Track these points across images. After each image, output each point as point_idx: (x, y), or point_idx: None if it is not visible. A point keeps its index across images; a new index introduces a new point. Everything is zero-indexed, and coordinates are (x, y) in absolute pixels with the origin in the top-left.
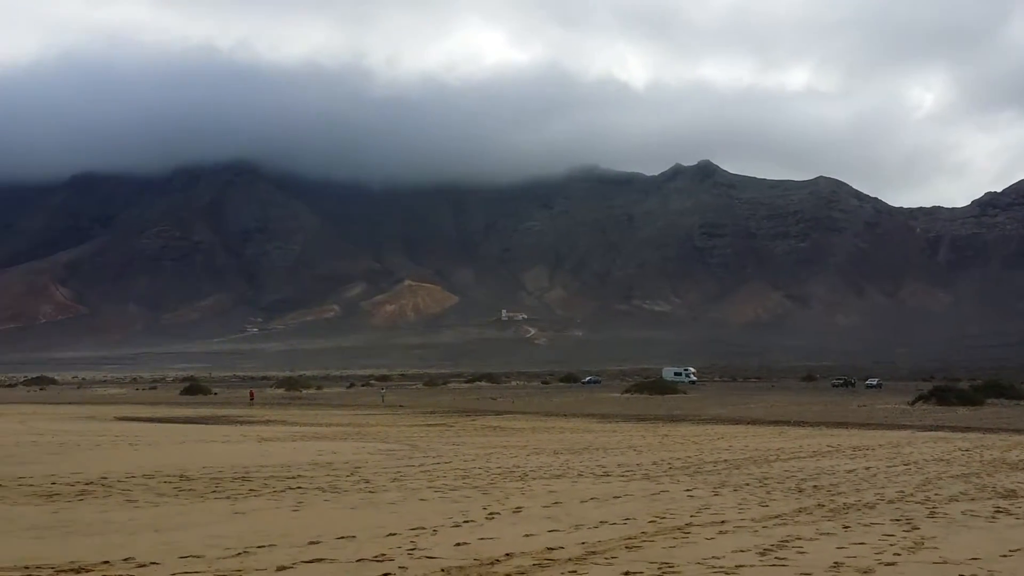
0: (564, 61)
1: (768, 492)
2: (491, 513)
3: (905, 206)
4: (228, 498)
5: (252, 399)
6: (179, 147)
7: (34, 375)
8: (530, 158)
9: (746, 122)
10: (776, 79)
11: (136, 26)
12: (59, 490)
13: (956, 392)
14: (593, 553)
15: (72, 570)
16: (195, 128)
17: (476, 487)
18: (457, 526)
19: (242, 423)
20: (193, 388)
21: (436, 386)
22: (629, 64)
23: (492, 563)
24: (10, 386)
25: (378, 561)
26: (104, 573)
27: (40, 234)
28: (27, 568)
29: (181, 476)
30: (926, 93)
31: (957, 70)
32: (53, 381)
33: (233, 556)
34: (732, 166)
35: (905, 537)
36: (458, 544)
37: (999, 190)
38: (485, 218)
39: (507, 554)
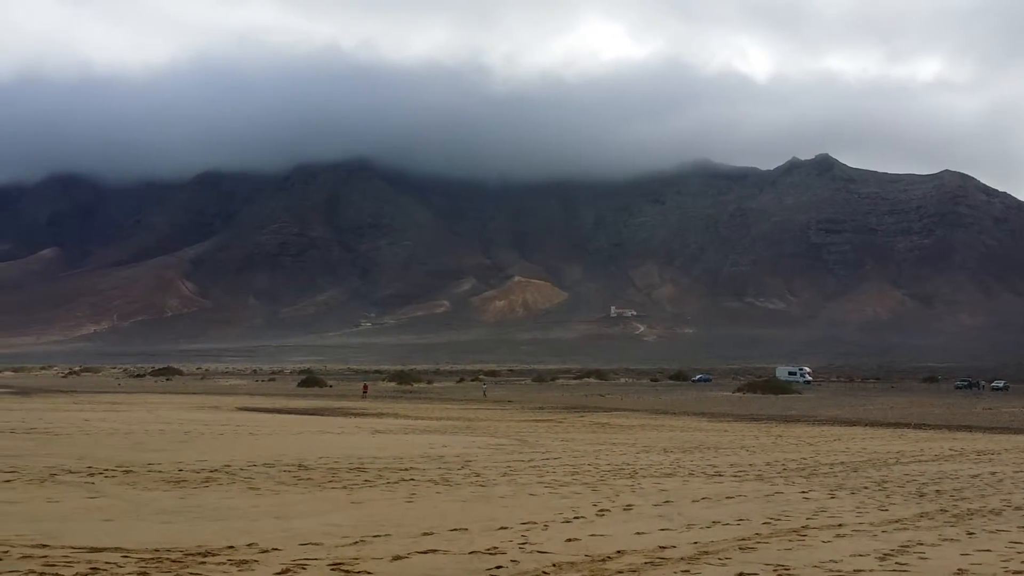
0: (684, 55)
1: (887, 496)
2: (601, 510)
3: None
4: (344, 488)
5: (365, 392)
6: (298, 146)
7: (161, 366)
8: (643, 153)
9: (870, 114)
10: (906, 70)
11: (264, 28)
12: (186, 477)
13: None
14: (706, 553)
15: (199, 553)
16: (315, 127)
17: (586, 484)
18: (567, 522)
19: (356, 415)
20: (309, 380)
21: (545, 382)
22: (751, 57)
23: (604, 560)
24: (139, 376)
25: (490, 554)
26: (229, 557)
27: (167, 230)
28: (157, 551)
29: (300, 466)
30: None
31: None
32: (179, 372)
33: (350, 544)
34: (852, 159)
35: None
36: (569, 540)
37: None
38: (595, 214)
39: (619, 551)
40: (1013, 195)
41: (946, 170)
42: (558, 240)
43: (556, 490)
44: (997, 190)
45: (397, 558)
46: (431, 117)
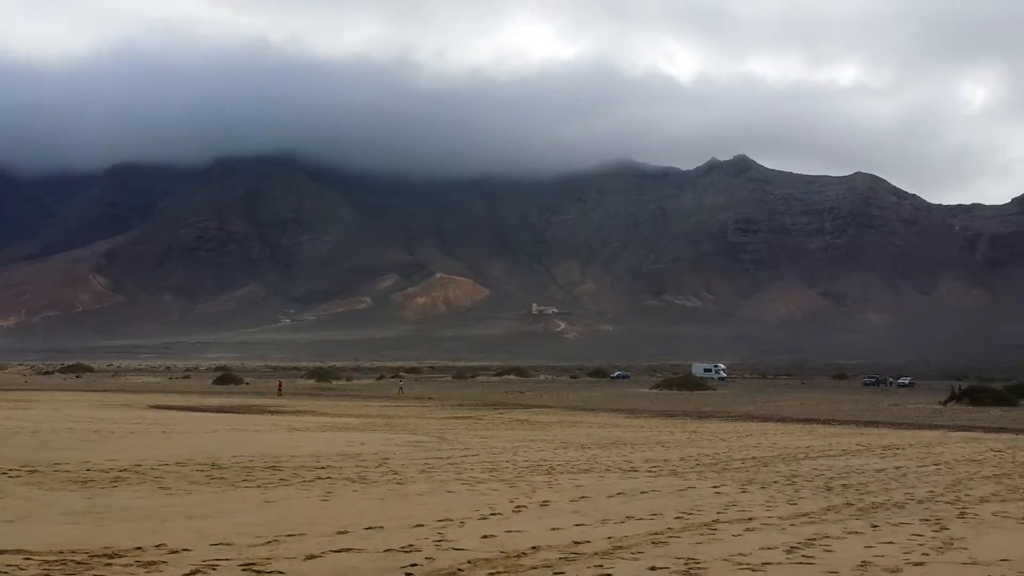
0: (612, 55)
1: (796, 490)
2: (518, 506)
3: (944, 204)
4: (259, 487)
5: (280, 390)
6: (220, 138)
7: (71, 363)
8: (567, 152)
9: (789, 117)
10: (826, 74)
11: (191, 19)
12: (94, 476)
13: (990, 392)
14: (619, 547)
15: (105, 555)
16: (238, 120)
17: (503, 480)
18: (484, 518)
19: (273, 413)
20: (225, 378)
21: (465, 379)
22: (677, 59)
23: (519, 556)
24: (47, 373)
25: (405, 551)
26: (136, 559)
27: (79, 223)
28: (62, 553)
29: (213, 464)
30: (978, 89)
31: (1012, 66)
32: (89, 369)
33: (263, 544)
34: (769, 161)
35: (934, 537)
36: (485, 536)
37: None
38: (519, 211)
39: (533, 547)
40: (922, 197)
41: (859, 172)
42: (482, 237)
43: (473, 487)
44: (907, 192)
45: (311, 557)
46: (358, 112)
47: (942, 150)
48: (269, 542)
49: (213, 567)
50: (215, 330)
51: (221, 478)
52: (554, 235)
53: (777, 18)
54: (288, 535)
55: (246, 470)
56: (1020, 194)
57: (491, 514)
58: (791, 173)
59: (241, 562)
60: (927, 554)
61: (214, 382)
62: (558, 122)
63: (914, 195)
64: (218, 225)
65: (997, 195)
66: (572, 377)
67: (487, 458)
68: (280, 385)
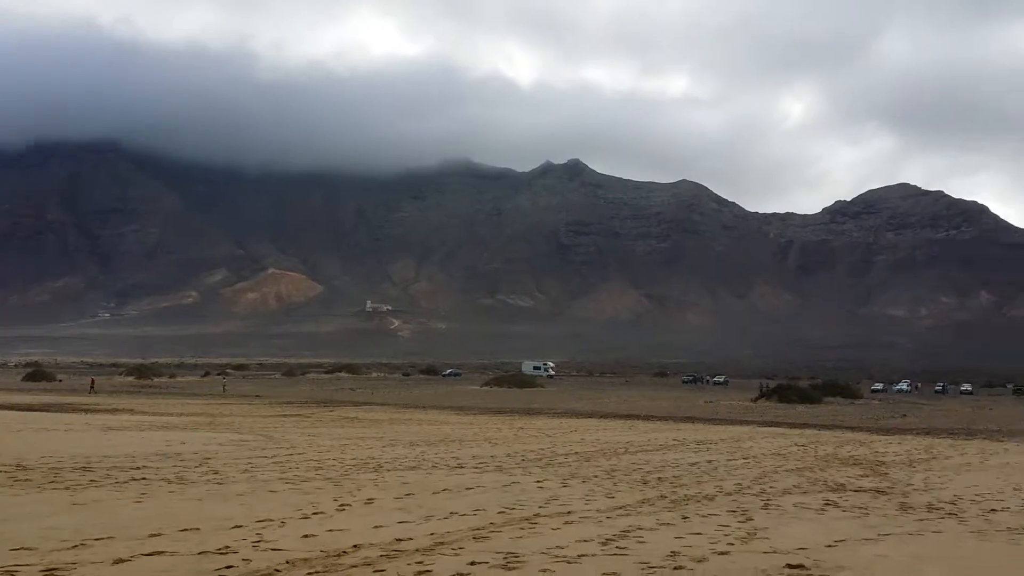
0: (453, 56)
1: (615, 484)
2: (342, 505)
3: (761, 212)
4: (67, 489)
5: (92, 388)
6: (40, 123)
7: None
8: (407, 149)
9: (621, 124)
10: (657, 84)
11: None
12: None
13: (796, 390)
14: (441, 544)
15: None
16: (58, 103)
17: (329, 479)
18: (306, 518)
19: (87, 411)
20: (36, 374)
21: (295, 376)
22: (517, 62)
23: (339, 555)
24: None
25: (221, 554)
26: None
27: None
28: None
29: (17, 466)
30: (796, 104)
31: (828, 82)
32: None
33: (68, 549)
34: (601, 166)
35: (739, 528)
36: (305, 536)
37: (849, 199)
38: (356, 208)
39: (355, 545)
40: (741, 205)
41: (684, 179)
42: (317, 233)
43: (297, 486)
44: (727, 200)
45: (119, 561)
46: (190, 101)
47: (761, 161)
48: (75, 546)
49: (11, 573)
50: (28, 324)
51: (26, 480)
52: (391, 232)
53: (613, 28)
54: (96, 539)
55: (54, 471)
56: (830, 204)
57: (314, 513)
58: (621, 178)
59: (43, 567)
60: (732, 544)
61: (24, 379)
62: (398, 119)
63: (734, 203)
64: (34, 213)
65: (809, 205)
66: (404, 375)
67: (313, 456)
68: (93, 383)
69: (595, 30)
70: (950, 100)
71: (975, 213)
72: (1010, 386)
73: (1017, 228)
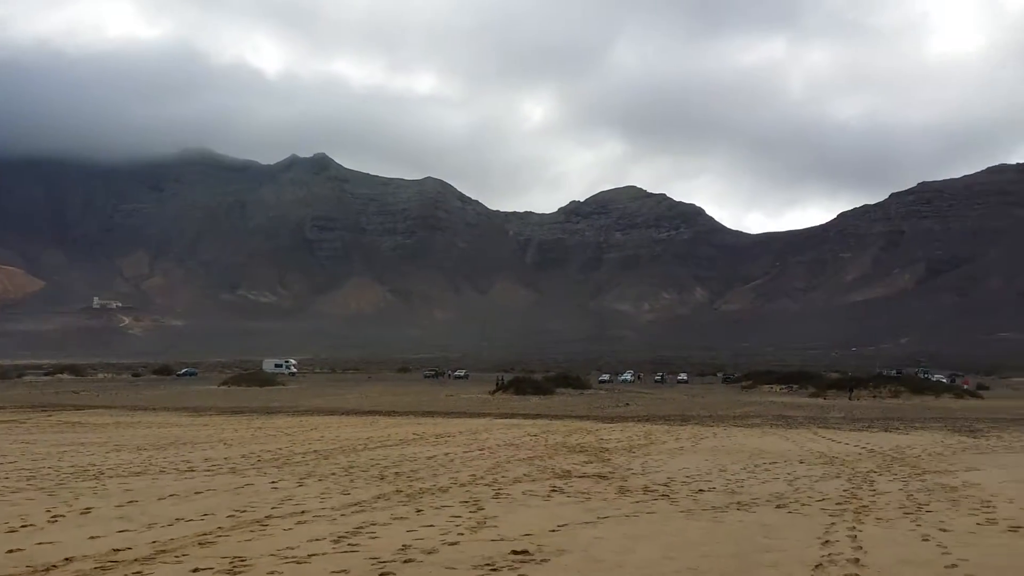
0: (196, 42)
1: (352, 480)
2: (55, 516)
3: (503, 210)
4: None
5: None
6: None
7: None
8: (142, 137)
9: (369, 119)
10: (405, 81)
11: None
12: None
13: (531, 383)
14: (163, 552)
15: None
16: None
17: (42, 489)
18: (13, 532)
19: None
20: None
21: (9, 379)
22: (264, 52)
23: (47, 569)
24: None
25: None
26: None
27: None
28: None
29: None
30: (536, 107)
31: (566, 88)
32: None
33: None
34: (348, 161)
35: (470, 518)
36: (11, 551)
37: (582, 200)
38: (83, 197)
39: (67, 558)
40: (484, 204)
41: (429, 177)
42: (38, 223)
43: (6, 498)
44: (471, 198)
45: None
46: None
47: (504, 161)
48: None
49: None
50: None
51: None
52: (123, 224)
53: (363, 22)
54: None
55: None
56: (565, 204)
57: (22, 526)
58: (368, 174)
59: None
60: (462, 534)
61: None
62: (134, 104)
63: (477, 201)
64: None
65: (547, 205)
66: (134, 375)
67: (26, 465)
68: None
69: (345, 24)
70: (674, 109)
71: (693, 215)
72: (720, 375)
73: (729, 230)
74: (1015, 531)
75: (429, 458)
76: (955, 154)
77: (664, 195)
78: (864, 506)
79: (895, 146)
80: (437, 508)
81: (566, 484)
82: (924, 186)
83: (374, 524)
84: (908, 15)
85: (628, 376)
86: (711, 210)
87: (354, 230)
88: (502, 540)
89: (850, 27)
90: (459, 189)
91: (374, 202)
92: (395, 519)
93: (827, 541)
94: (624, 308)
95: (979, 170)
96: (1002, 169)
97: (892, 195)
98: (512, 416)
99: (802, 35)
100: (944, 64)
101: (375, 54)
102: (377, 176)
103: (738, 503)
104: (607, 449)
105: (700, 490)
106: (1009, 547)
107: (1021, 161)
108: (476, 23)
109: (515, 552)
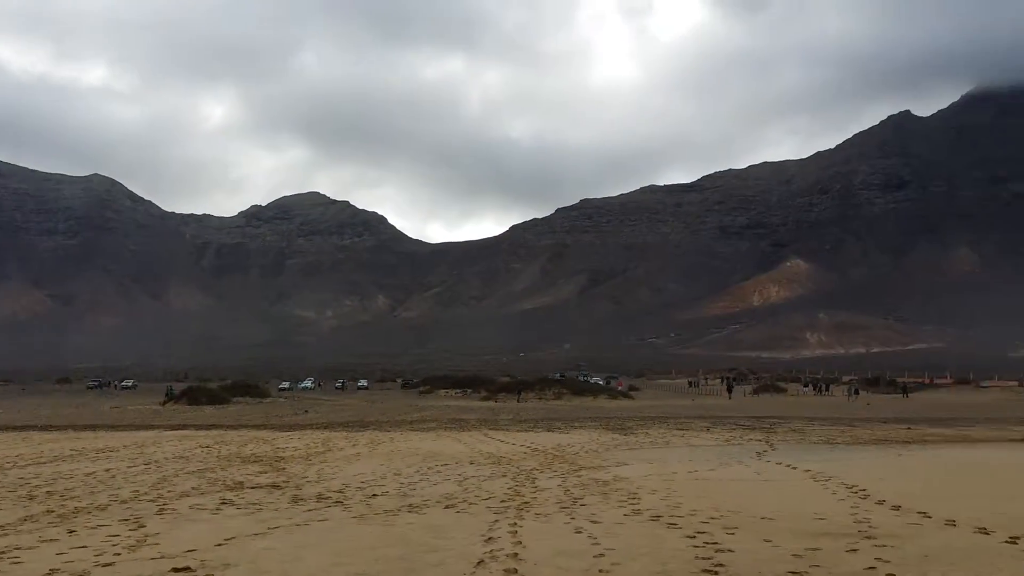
0: None
1: None
2: None
3: (180, 212)
4: None
5: None
6: None
7: None
8: None
9: (31, 110)
10: (72, 72)
11: None
12: None
13: (205, 392)
14: None
15: None
16: None
17: None
18: None
19: None
20: None
21: None
22: None
23: None
24: None
25: None
26: None
27: None
28: None
29: None
30: (217, 107)
31: (249, 90)
32: None
33: None
34: (4, 154)
35: (130, 536)
36: None
37: (264, 204)
38: None
39: None
40: (158, 204)
41: (96, 174)
42: None
43: None
44: (143, 198)
45: None
46: None
47: (181, 161)
48: None
49: None
50: None
51: None
52: None
53: (26, 6)
54: None
55: None
56: (246, 208)
57: None
58: (26, 168)
59: None
60: (119, 553)
61: None
62: None
63: (150, 201)
64: None
65: (228, 208)
66: None
67: None
68: None
69: (6, 6)
70: (358, 118)
71: (376, 223)
72: (399, 380)
73: (410, 238)
74: (655, 520)
75: (88, 475)
76: (614, 174)
77: (348, 202)
78: (526, 502)
79: (561, 164)
80: (93, 528)
81: (237, 496)
82: (586, 203)
83: (18, 548)
84: (574, 42)
85: (309, 383)
86: (393, 219)
87: (9, 229)
88: (163, 557)
89: (520, 51)
90: (130, 188)
91: (32, 199)
92: (43, 541)
93: (490, 538)
94: (306, 314)
95: (633, 189)
96: (652, 189)
97: (558, 210)
98: (184, 427)
99: (480, 55)
100: (604, 90)
101: (38, 41)
102: (36, 171)
103: (409, 505)
104: (283, 458)
105: (374, 495)
106: (650, 535)
107: (668, 183)
108: (153, 16)
109: (176, 570)
